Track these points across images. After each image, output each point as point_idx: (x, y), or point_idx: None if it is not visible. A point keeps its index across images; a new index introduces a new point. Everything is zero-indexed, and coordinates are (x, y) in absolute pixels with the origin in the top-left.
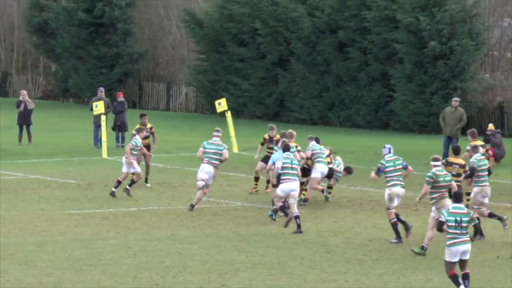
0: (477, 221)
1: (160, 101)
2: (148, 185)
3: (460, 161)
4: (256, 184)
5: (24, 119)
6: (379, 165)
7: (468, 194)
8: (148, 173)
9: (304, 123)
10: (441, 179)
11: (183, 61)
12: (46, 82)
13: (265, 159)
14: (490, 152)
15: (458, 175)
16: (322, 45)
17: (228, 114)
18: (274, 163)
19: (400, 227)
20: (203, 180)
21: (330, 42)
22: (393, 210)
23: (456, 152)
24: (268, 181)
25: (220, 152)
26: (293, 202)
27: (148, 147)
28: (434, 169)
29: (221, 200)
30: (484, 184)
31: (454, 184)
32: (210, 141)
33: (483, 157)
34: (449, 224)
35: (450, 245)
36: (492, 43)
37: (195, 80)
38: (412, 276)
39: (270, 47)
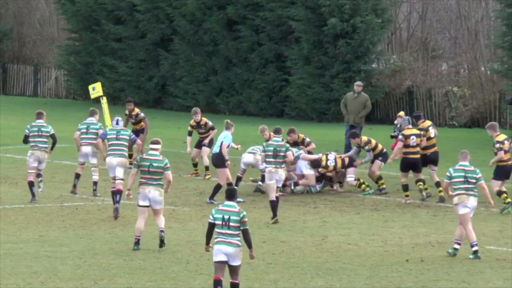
0: None
1: (27, 85)
2: None
3: (415, 131)
4: (196, 170)
5: None
6: (103, 131)
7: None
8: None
9: (189, 111)
10: (146, 163)
11: (53, 40)
12: None
13: (198, 145)
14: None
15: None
16: (209, 23)
17: (104, 101)
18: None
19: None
20: None
21: (218, 19)
22: (113, 181)
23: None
24: (207, 168)
25: None
26: None
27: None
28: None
29: (95, 197)
30: None
31: (169, 174)
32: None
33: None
34: (217, 223)
35: (215, 243)
36: (400, 20)
37: (66, 62)
38: (311, 282)
39: (151, 25)
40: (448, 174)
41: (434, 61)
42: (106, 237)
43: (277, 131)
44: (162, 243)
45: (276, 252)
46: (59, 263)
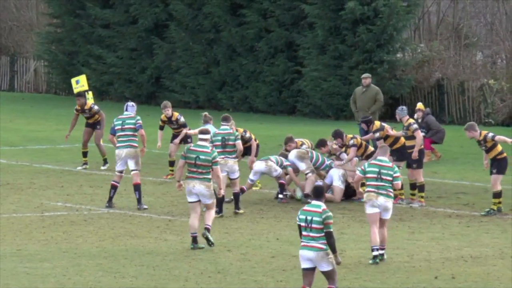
0: None
1: (2, 78)
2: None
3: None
4: (172, 170)
5: None
6: (112, 124)
7: None
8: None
9: (187, 107)
10: (192, 155)
11: (31, 27)
12: None
13: (173, 139)
14: None
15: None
16: (209, 7)
17: (89, 96)
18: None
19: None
20: None
21: (220, 2)
22: (117, 174)
23: None
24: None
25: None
26: None
27: None
28: None
29: (81, 205)
30: None
31: (218, 170)
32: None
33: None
34: (302, 224)
35: (300, 248)
36: (429, 4)
37: (47, 51)
38: None
39: (143, 9)
40: (362, 167)
41: (467, 50)
42: (93, 251)
43: (225, 119)
44: (208, 241)
45: (287, 269)
46: (40, 281)
